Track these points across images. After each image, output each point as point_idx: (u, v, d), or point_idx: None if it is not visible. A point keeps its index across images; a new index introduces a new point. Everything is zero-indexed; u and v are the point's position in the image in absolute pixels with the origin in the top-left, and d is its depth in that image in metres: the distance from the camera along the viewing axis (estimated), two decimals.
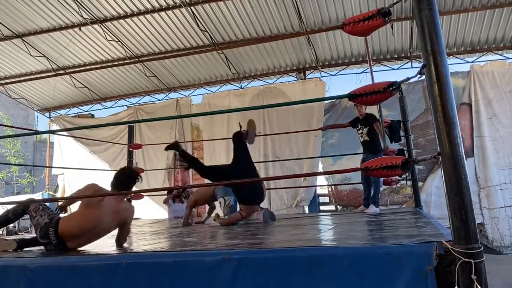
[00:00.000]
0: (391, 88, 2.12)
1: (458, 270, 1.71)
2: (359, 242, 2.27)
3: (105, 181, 11.07)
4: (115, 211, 3.01)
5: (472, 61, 9.54)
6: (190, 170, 10.88)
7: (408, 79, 2.12)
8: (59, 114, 12.71)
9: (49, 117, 12.74)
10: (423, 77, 1.95)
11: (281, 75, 10.81)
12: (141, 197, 6.85)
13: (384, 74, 10.12)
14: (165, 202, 7.81)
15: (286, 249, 2.13)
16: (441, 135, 1.84)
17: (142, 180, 3.38)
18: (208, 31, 9.26)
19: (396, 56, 9.85)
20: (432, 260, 1.78)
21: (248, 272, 2.00)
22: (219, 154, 10.35)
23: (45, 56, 10.28)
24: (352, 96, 2.23)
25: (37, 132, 11.11)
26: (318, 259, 1.95)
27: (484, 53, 9.51)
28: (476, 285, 1.66)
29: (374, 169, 2.10)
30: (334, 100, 9.75)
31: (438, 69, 1.87)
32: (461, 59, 9.67)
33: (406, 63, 9.92)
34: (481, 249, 1.73)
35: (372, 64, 9.74)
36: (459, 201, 1.78)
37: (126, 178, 3.28)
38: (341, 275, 1.87)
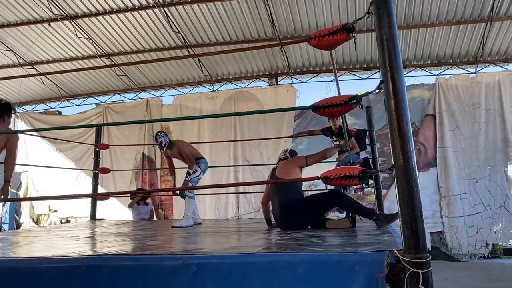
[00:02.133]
0: (351, 102, 2.20)
1: (407, 279, 1.79)
2: (317, 248, 2.33)
3: (71, 179, 10.89)
4: None
5: (438, 74, 9.89)
6: (158, 171, 10.81)
7: (368, 93, 2.20)
8: (25, 110, 12.37)
9: (14, 113, 12.35)
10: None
11: (253, 79, 10.89)
12: (107, 198, 6.77)
13: (353, 84, 10.35)
14: (130, 206, 7.71)
15: (245, 255, 2.16)
16: (395, 149, 1.92)
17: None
18: (181, 33, 9.23)
19: (365, 66, 10.10)
20: (383, 268, 1.85)
21: (206, 277, 2.03)
22: None
23: (12, 50, 10.01)
24: (315, 108, 2.29)
25: (14, 132, 10.72)
26: (276, 265, 2.00)
27: (449, 66, 9.87)
28: None
29: (333, 178, 2.18)
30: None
31: (395, 85, 1.94)
32: (427, 71, 10.00)
33: (375, 73, 10.17)
34: (429, 258, 1.81)
35: (341, 74, 10.03)
36: (410, 212, 1.86)
37: None
38: (298, 281, 1.92)
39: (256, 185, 9.39)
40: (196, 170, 5.16)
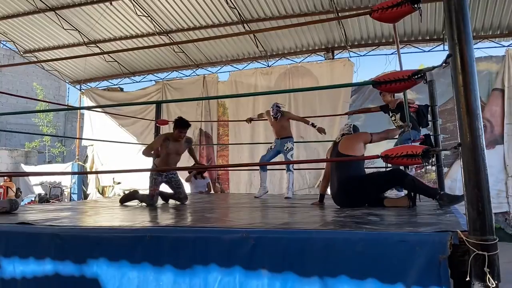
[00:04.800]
0: (415, 77, 2.11)
1: (472, 261, 1.73)
2: (376, 227, 2.30)
3: (132, 153, 11.40)
4: None
5: (508, 45, 9.19)
6: (215, 147, 11.05)
7: (434, 68, 2.10)
8: (89, 87, 13.01)
9: (80, 90, 13.04)
10: None
11: (309, 54, 10.70)
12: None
13: (415, 56, 9.92)
14: (188, 180, 7.94)
15: (303, 231, 2.18)
16: (462, 126, 1.83)
17: None
18: (237, 8, 9.21)
19: (428, 38, 9.59)
20: (446, 249, 1.80)
21: (265, 251, 2.07)
22: (244, 132, 10.45)
23: (77, 30, 10.47)
24: (375, 83, 2.23)
25: (75, 108, 11.39)
26: (334, 242, 2.00)
27: None
28: (489, 277, 1.68)
29: (394, 157, 2.12)
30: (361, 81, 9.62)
31: (464, 60, 1.84)
32: (496, 42, 9.34)
33: (438, 45, 9.64)
34: (496, 241, 1.74)
35: (402, 46, 9.60)
36: (477, 193, 1.78)
37: None
38: (356, 259, 1.92)
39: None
40: (292, 148, 5.79)
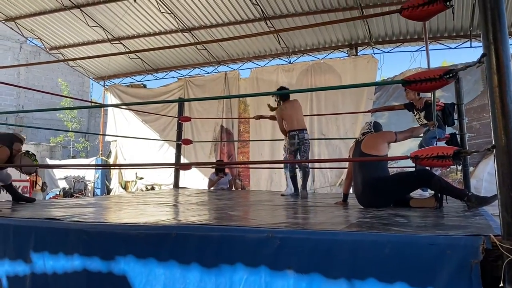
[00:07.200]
0: (447, 76, 2.06)
1: (505, 267, 1.68)
2: (404, 229, 2.27)
3: (155, 148, 11.51)
4: None
5: None
6: (235, 143, 11.08)
7: (466, 67, 2.05)
8: (113, 83, 13.19)
9: (104, 86, 13.24)
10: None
11: (332, 50, 10.60)
12: (189, 168, 7.10)
13: (441, 53, 9.70)
14: (211, 186, 7.84)
15: (329, 232, 2.16)
16: (497, 128, 1.78)
17: None
18: (259, 5, 9.18)
19: (454, 34, 9.37)
20: (478, 254, 1.75)
21: (290, 251, 2.05)
22: (264, 129, 10.44)
23: (101, 27, 10.62)
24: (405, 83, 2.19)
25: (99, 105, 11.58)
26: (361, 244, 1.97)
27: None
28: None
29: (424, 158, 2.08)
30: (385, 79, 9.50)
31: (500, 59, 1.79)
32: None
33: (465, 42, 9.42)
34: None
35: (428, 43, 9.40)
36: (511, 197, 1.73)
37: None
38: (383, 261, 1.88)
39: (332, 158, 9.32)
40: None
